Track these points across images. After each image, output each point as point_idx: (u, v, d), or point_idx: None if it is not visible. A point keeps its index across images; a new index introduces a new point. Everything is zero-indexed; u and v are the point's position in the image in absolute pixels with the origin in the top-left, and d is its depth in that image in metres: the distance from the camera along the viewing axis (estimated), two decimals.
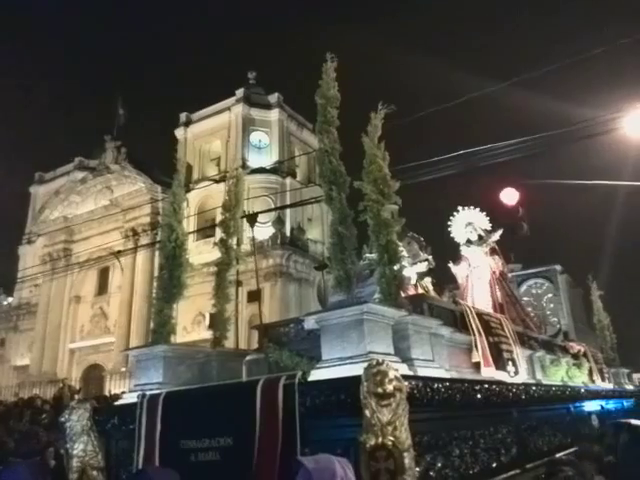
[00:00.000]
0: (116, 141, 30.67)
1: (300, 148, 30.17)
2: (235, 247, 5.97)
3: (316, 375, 3.53)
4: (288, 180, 27.45)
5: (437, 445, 3.48)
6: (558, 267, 16.43)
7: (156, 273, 26.94)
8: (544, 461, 4.63)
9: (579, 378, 7.69)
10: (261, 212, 14.20)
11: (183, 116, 30.49)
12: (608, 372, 9.76)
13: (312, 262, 27.13)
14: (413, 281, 6.23)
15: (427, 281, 6.56)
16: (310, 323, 4.61)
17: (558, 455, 5.00)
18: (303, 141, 30.98)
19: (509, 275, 9.87)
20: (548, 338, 8.59)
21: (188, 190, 22.39)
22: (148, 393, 4.22)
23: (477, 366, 5.13)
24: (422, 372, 3.76)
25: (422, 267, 6.40)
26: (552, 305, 15.53)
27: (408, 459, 2.72)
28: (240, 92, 29.25)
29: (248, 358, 5.21)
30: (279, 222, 25.90)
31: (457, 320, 5.26)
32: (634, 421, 3.40)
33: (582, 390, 6.99)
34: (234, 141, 28.51)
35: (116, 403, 5.00)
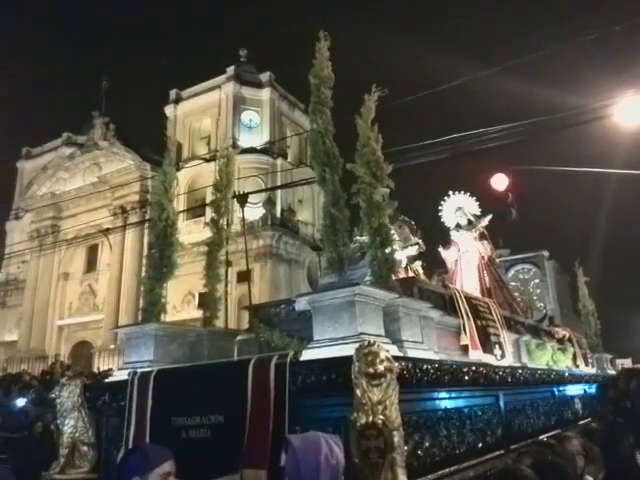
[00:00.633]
0: (104, 117, 30.26)
1: (291, 129, 29.96)
2: (226, 227, 5.95)
3: (308, 355, 3.58)
4: (279, 161, 27.32)
5: (425, 425, 3.55)
6: (545, 253, 16.60)
7: (145, 251, 26.87)
8: (528, 442, 4.73)
9: (563, 362, 7.83)
10: (252, 192, 14.18)
11: (173, 93, 30.09)
12: (592, 357, 9.94)
13: (302, 244, 27.18)
14: (403, 264, 6.28)
15: (417, 265, 6.61)
16: (301, 304, 4.64)
17: (542, 437, 5.12)
18: (294, 122, 30.75)
19: (497, 260, 9.96)
20: (534, 323, 8.72)
21: (178, 169, 22.20)
22: (139, 370, 4.25)
23: (465, 349, 5.20)
24: (412, 353, 3.81)
25: (413, 251, 6.44)
26: (539, 290, 15.72)
27: (398, 437, 2.78)
28: (231, 70, 28.89)
29: (239, 338, 5.24)
30: (269, 203, 25.83)
31: (446, 303, 5.32)
32: None
33: (566, 374, 7.13)
34: (224, 120, 28.23)
35: (107, 380, 5.03)
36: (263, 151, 26.75)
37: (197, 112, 29.43)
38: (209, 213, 25.03)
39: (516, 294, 10.81)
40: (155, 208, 5.48)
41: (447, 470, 3.62)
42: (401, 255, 6.15)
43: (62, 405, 4.52)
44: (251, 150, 25.53)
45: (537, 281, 15.82)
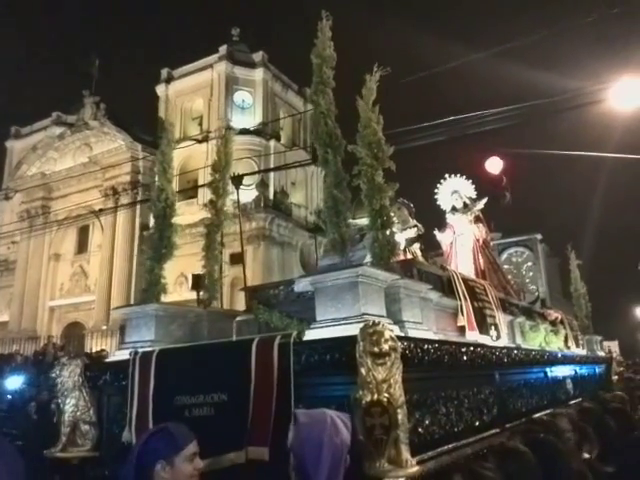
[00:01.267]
0: (95, 97, 29.86)
1: (285, 110, 29.73)
2: (227, 208, 5.95)
3: (310, 335, 3.61)
4: (272, 143, 27.17)
5: (425, 403, 3.60)
6: (538, 236, 16.73)
7: (137, 233, 26.77)
8: (522, 421, 4.84)
9: (555, 344, 7.96)
10: (248, 174, 14.13)
11: (164, 72, 29.73)
12: (582, 339, 10.10)
13: (295, 226, 27.17)
14: (402, 247, 6.32)
15: (416, 247, 6.66)
16: (300, 286, 4.68)
17: (535, 415, 5.23)
18: (288, 103, 30.52)
19: (491, 243, 10.04)
20: (528, 305, 8.83)
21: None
22: (140, 350, 4.26)
23: (462, 330, 5.28)
24: (412, 334, 3.86)
25: (411, 233, 6.49)
26: (531, 273, 15.88)
27: (401, 415, 2.84)
28: (223, 49, 28.52)
29: (238, 319, 5.28)
30: (262, 185, 25.75)
31: (444, 285, 5.38)
32: None
33: (559, 355, 7.25)
34: (217, 100, 27.98)
35: (108, 360, 5.05)
36: (256, 132, 26.56)
37: (189, 92, 29.13)
38: (202, 195, 24.95)
39: (509, 277, 10.92)
40: (154, 189, 5.46)
41: (446, 447, 3.69)
42: (400, 237, 6.19)
43: (63, 384, 4.52)
44: (244, 131, 25.35)
45: (530, 264, 15.97)
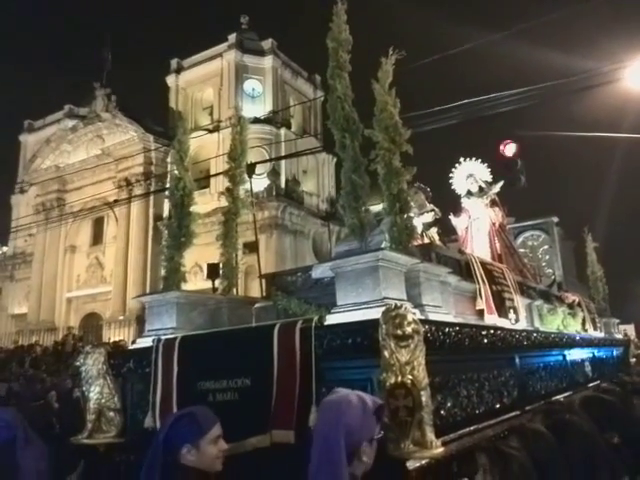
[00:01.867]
0: (106, 88, 29.96)
1: (295, 97, 29.62)
2: (241, 197, 5.97)
3: (331, 320, 3.63)
4: (283, 131, 27.10)
5: (447, 386, 3.62)
6: (555, 219, 16.59)
7: (151, 223, 26.95)
8: (541, 404, 4.83)
9: (573, 327, 7.92)
10: (260, 162, 14.13)
11: (174, 62, 29.70)
12: (600, 322, 10.03)
13: (307, 214, 27.17)
14: (419, 231, 6.30)
15: (433, 231, 6.64)
16: (318, 272, 4.70)
17: (555, 398, 5.23)
18: (298, 90, 30.38)
19: (507, 227, 9.97)
20: (545, 288, 8.77)
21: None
22: (163, 337, 4.32)
23: (480, 313, 5.27)
24: (432, 317, 3.87)
25: (429, 217, 6.46)
26: (547, 257, 15.76)
27: (425, 397, 2.85)
28: (232, 37, 28.39)
29: (257, 305, 5.32)
30: (274, 174, 25.74)
31: (462, 269, 5.36)
32: None
33: (577, 338, 7.21)
34: (227, 89, 27.93)
35: (131, 347, 5.12)
36: (266, 121, 26.50)
37: (199, 82, 29.12)
38: (214, 185, 24.97)
39: (525, 260, 10.84)
40: (172, 178, 5.49)
41: (467, 429, 3.71)
42: (417, 222, 6.18)
43: (87, 373, 4.59)
44: (254, 120, 25.30)
45: (546, 247, 15.84)
